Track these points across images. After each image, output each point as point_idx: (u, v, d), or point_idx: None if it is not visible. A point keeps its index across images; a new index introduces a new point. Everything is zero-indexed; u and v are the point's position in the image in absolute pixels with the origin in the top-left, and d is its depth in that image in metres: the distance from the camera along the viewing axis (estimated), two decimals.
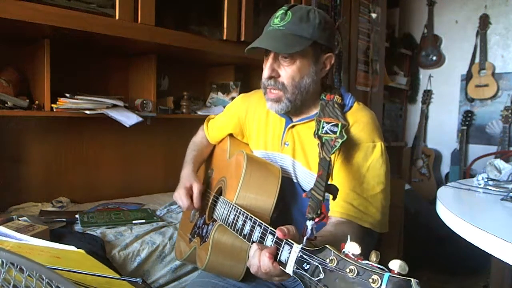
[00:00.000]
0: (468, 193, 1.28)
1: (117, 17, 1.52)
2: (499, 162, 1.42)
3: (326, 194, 0.79)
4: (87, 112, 1.60)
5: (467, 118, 3.41)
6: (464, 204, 1.20)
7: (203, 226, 1.10)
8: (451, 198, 1.24)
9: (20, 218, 1.32)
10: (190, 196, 1.11)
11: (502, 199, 1.16)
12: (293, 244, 0.69)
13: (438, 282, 2.46)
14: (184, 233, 1.23)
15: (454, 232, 0.94)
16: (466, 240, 0.88)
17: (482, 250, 0.82)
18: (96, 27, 1.46)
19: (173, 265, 1.43)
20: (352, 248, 0.57)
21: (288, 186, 1.02)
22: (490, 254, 0.80)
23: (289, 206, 1.04)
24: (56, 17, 1.36)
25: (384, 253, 0.57)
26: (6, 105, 1.47)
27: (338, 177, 0.95)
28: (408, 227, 2.41)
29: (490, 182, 1.34)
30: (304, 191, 1.04)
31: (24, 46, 1.64)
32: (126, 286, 0.66)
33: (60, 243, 0.64)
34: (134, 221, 1.53)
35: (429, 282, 2.43)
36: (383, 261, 0.56)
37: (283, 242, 0.71)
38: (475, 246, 0.84)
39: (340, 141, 0.89)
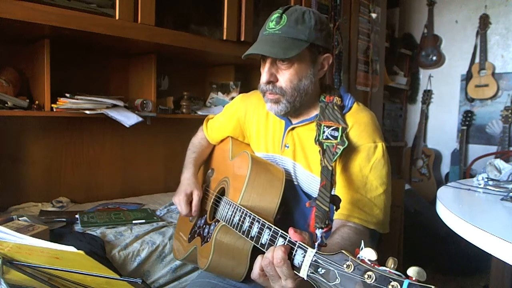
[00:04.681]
0: (468, 193, 1.28)
1: (117, 17, 1.51)
2: (499, 162, 1.41)
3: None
4: (87, 112, 1.59)
5: (467, 118, 3.41)
6: (464, 204, 1.20)
7: (204, 226, 1.10)
8: (451, 198, 1.24)
9: (20, 218, 1.32)
10: (190, 202, 1.13)
11: (502, 199, 1.16)
12: (307, 248, 0.67)
13: (438, 282, 2.46)
14: (183, 232, 1.23)
15: (454, 232, 0.94)
16: (466, 240, 0.88)
17: (482, 250, 0.82)
18: (96, 27, 1.46)
19: (173, 265, 1.43)
20: (368, 254, 0.57)
21: (289, 188, 1.02)
22: (490, 254, 0.80)
23: (290, 208, 1.04)
24: (56, 17, 1.35)
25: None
26: (6, 105, 1.47)
27: (341, 179, 0.95)
28: (408, 227, 2.41)
29: (490, 182, 1.34)
30: (305, 193, 1.04)
31: (24, 46, 1.64)
32: (126, 286, 0.66)
33: (60, 243, 0.64)
34: (134, 221, 1.53)
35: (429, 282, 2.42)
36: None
37: (296, 246, 0.69)
38: (475, 246, 0.84)
39: (341, 148, 0.89)
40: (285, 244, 0.72)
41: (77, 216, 1.52)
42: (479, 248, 0.82)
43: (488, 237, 0.79)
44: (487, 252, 0.80)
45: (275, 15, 0.96)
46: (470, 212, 1.10)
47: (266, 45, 0.94)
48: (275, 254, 0.69)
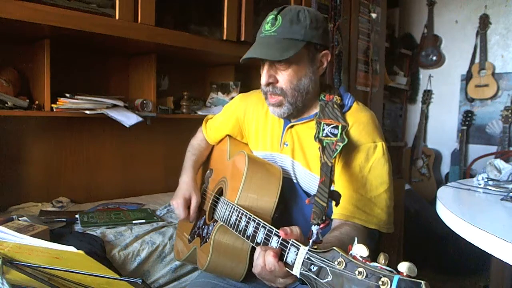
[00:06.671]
0: (468, 193, 1.28)
1: (117, 17, 1.51)
2: (499, 162, 1.41)
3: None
4: (87, 112, 1.59)
5: (467, 118, 3.41)
6: (464, 204, 1.20)
7: (203, 227, 1.10)
8: (451, 198, 1.24)
9: (20, 218, 1.32)
10: (188, 207, 1.14)
11: (502, 199, 1.16)
12: (299, 246, 0.68)
13: (438, 282, 2.46)
14: (183, 233, 1.23)
15: (454, 232, 0.94)
16: (466, 240, 0.88)
17: (482, 250, 0.82)
18: (96, 27, 1.46)
19: (173, 265, 1.43)
20: (359, 250, 0.57)
21: (288, 186, 1.02)
22: (490, 254, 0.80)
23: (289, 206, 1.04)
24: (56, 17, 1.36)
25: None
26: (6, 105, 1.47)
27: (341, 179, 0.95)
28: (408, 227, 2.41)
29: (490, 182, 1.34)
30: (304, 191, 1.04)
31: (24, 46, 1.64)
32: (126, 286, 0.66)
33: (60, 243, 0.64)
34: (134, 221, 1.53)
35: (429, 282, 2.42)
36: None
37: (289, 244, 0.70)
38: (475, 246, 0.84)
39: (341, 144, 0.89)
40: (279, 242, 0.73)
41: (77, 216, 1.52)
42: (479, 248, 0.82)
43: (488, 237, 0.79)
44: (487, 252, 0.80)
45: (270, 17, 0.97)
46: (470, 212, 1.10)
47: (262, 48, 0.95)
48: (267, 260, 0.71)
